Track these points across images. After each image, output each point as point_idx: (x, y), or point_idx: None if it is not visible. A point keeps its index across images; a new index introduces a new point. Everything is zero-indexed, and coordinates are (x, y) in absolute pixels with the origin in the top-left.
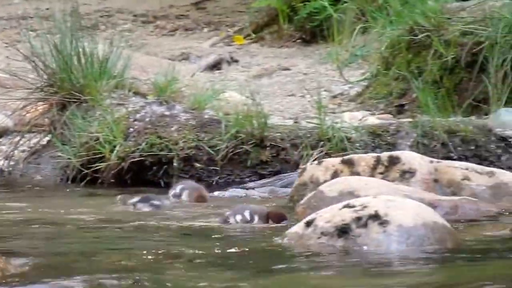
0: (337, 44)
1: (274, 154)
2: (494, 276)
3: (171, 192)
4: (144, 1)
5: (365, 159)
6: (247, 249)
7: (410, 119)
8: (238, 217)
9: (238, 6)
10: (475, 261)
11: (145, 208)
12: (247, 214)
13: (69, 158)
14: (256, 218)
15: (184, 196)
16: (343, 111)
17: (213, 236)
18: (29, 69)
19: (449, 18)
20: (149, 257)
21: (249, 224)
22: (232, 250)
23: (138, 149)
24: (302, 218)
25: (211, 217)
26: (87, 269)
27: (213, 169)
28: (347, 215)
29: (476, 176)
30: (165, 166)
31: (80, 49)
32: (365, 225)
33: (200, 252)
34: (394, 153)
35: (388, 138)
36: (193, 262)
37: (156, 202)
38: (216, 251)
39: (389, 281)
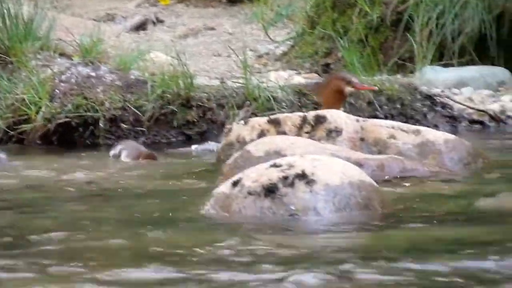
0: (262, 4)
1: (201, 115)
2: (418, 236)
3: (111, 152)
4: None
5: (291, 118)
6: (168, 207)
7: None
8: (112, 152)
9: None
10: (402, 222)
11: None
12: (117, 149)
13: None
14: (123, 153)
15: (123, 156)
16: (269, 71)
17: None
18: None
19: None
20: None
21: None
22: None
23: (64, 110)
24: (229, 178)
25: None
26: None
27: (139, 129)
28: (274, 175)
29: (402, 135)
30: (91, 127)
31: (5, 11)
32: (291, 185)
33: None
34: (320, 112)
35: (314, 97)
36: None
37: None
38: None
39: (314, 241)
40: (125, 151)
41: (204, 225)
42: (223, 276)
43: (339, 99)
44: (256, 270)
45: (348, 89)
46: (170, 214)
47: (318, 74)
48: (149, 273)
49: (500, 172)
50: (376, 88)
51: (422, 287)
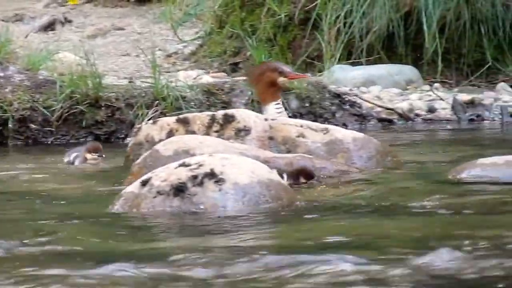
0: (170, 3)
1: (109, 114)
2: (328, 232)
3: (65, 159)
4: None
5: (200, 117)
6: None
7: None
8: (66, 159)
9: None
10: (310, 219)
11: None
12: (71, 156)
13: None
14: (77, 161)
15: (77, 163)
16: (178, 70)
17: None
18: None
19: None
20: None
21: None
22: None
23: None
24: (138, 178)
25: None
26: None
27: (48, 130)
28: (183, 174)
29: (311, 133)
30: (0, 128)
31: None
32: (201, 184)
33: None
34: (229, 111)
35: (223, 96)
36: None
37: None
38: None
39: (224, 240)
40: (78, 158)
41: (110, 223)
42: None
43: (274, 91)
44: (155, 265)
45: (281, 79)
46: (77, 213)
47: (226, 73)
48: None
49: (408, 169)
50: (309, 75)
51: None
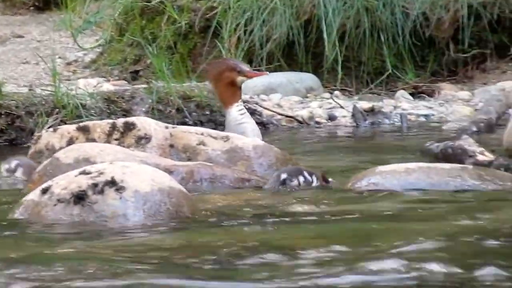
0: (70, 11)
1: (9, 122)
2: (226, 242)
3: (5, 166)
4: None
5: (100, 125)
6: None
7: (145, 85)
8: (5, 166)
9: None
10: (209, 226)
11: None
12: (12, 164)
13: None
14: (19, 170)
15: (19, 173)
16: (78, 78)
17: None
18: None
19: None
20: None
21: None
22: None
23: None
24: (38, 186)
25: None
26: None
27: None
28: (83, 182)
29: (211, 141)
30: None
31: None
32: (101, 192)
33: None
34: (130, 119)
35: (124, 104)
36: None
37: None
38: None
39: (124, 247)
40: (21, 168)
41: (9, 232)
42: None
43: (234, 92)
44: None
45: (240, 78)
46: None
47: (127, 81)
48: None
49: None
50: (267, 73)
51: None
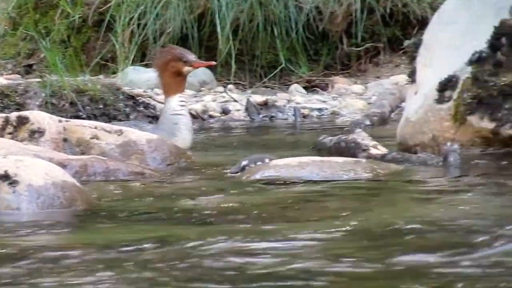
0: None
1: None
2: (125, 237)
3: None
4: None
5: None
6: None
7: (38, 79)
8: None
9: None
10: (103, 220)
11: None
12: None
13: None
14: None
15: None
16: None
17: None
18: None
19: None
20: None
21: None
22: None
23: None
24: None
25: None
26: None
27: None
28: None
29: (105, 135)
30: None
31: None
32: None
33: None
34: (23, 113)
35: (17, 98)
36: None
37: None
38: None
39: (15, 241)
40: None
41: None
42: None
43: (179, 82)
44: None
45: (187, 69)
46: None
47: (20, 75)
48: None
49: (201, 171)
50: (214, 63)
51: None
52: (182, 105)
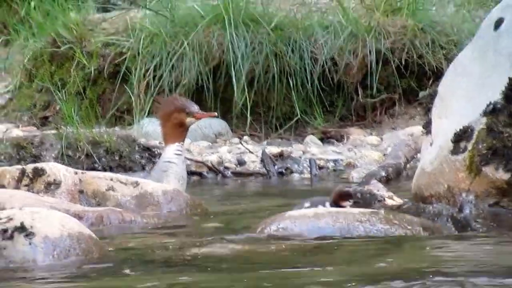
0: None
1: None
2: (135, 284)
3: None
4: None
5: (10, 171)
6: None
7: (54, 131)
8: None
9: None
10: (119, 271)
11: None
12: None
13: None
14: None
15: None
16: None
17: None
18: None
19: (91, 30)
20: None
21: None
22: None
23: None
24: None
25: None
26: None
27: None
28: None
29: (121, 187)
30: None
31: None
32: (11, 237)
33: None
34: (39, 164)
35: (33, 150)
36: None
37: None
38: None
39: None
40: None
41: None
42: None
43: (180, 132)
44: None
45: (189, 120)
46: None
47: (36, 127)
48: None
49: (218, 221)
50: (215, 114)
51: None
52: (177, 154)
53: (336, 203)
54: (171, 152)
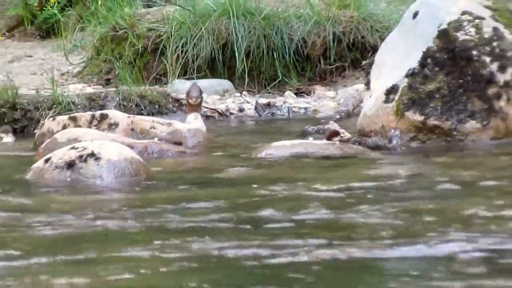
0: (64, 38)
1: (23, 114)
2: (178, 197)
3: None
4: None
5: (84, 116)
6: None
7: (114, 88)
8: None
9: None
10: (160, 187)
11: None
12: None
13: None
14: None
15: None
16: (69, 84)
17: None
18: None
19: (138, 19)
20: None
21: None
22: None
23: None
24: (43, 157)
25: None
26: None
27: None
28: (73, 154)
29: (159, 126)
30: None
31: None
32: (85, 161)
33: None
34: (104, 111)
35: (100, 101)
36: None
37: None
38: None
39: (97, 198)
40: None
41: (22, 188)
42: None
43: (192, 108)
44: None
45: (190, 100)
46: None
47: (102, 86)
48: None
49: (223, 150)
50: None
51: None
52: (194, 119)
53: (328, 139)
54: (190, 119)
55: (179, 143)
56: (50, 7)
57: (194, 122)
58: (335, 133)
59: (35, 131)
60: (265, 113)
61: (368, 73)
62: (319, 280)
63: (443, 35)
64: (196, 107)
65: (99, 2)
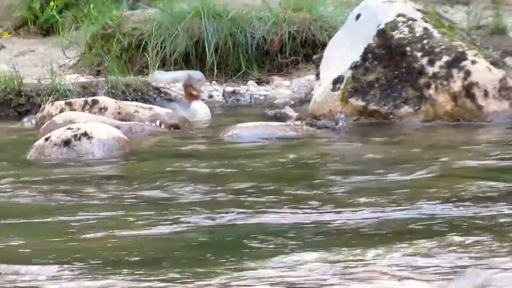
0: (61, 36)
1: (27, 100)
2: (158, 169)
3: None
4: None
5: (78, 101)
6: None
7: (104, 78)
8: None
9: (3, 15)
10: (140, 159)
11: None
12: None
13: None
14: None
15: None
16: (66, 74)
17: None
18: None
19: (125, 20)
20: None
21: None
22: None
23: None
24: (43, 136)
25: None
26: None
27: None
28: (69, 133)
29: (142, 110)
30: None
31: None
32: (79, 139)
33: None
34: (95, 98)
35: (92, 89)
36: None
37: None
38: None
39: (90, 170)
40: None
41: (26, 163)
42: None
43: (191, 97)
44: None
45: (188, 91)
46: (3, 157)
47: (93, 76)
48: None
49: (197, 131)
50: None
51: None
52: (200, 106)
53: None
54: (196, 105)
55: (176, 127)
56: (50, 9)
57: (201, 109)
58: (300, 118)
59: (37, 114)
60: (231, 99)
61: (318, 66)
62: None
63: (381, 34)
64: (192, 97)
65: (91, 5)
